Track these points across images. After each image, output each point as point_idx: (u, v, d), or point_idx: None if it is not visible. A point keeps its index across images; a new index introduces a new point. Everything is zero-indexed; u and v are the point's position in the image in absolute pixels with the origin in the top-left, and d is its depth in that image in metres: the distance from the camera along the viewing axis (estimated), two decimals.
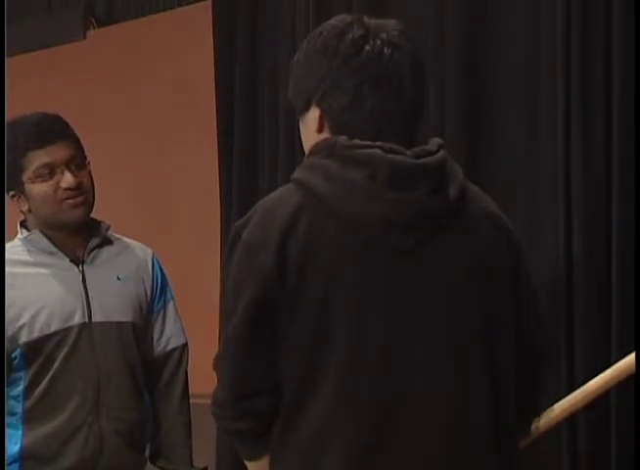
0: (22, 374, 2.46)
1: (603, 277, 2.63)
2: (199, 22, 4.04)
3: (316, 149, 1.79)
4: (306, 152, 1.86)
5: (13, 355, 2.44)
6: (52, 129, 2.49)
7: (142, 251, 2.67)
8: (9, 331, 2.42)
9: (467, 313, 1.77)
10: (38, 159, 2.45)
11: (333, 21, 1.85)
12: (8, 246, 2.55)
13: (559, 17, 2.71)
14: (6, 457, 2.46)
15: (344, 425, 1.71)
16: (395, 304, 1.73)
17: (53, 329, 2.45)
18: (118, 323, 2.53)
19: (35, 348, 2.44)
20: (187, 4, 4.42)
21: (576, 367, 2.65)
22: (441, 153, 1.78)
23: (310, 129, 1.84)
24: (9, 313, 2.43)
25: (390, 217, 1.72)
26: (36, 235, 2.50)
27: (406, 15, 3.06)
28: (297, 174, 1.80)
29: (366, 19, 1.82)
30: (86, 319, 2.49)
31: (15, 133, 2.47)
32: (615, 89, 2.61)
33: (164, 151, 4.41)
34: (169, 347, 2.66)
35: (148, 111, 4.45)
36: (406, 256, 1.73)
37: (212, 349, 3.68)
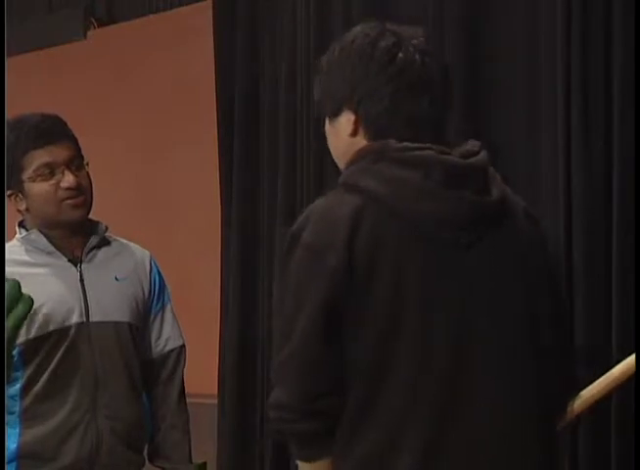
0: (19, 373, 2.45)
1: (603, 277, 2.63)
2: (199, 21, 4.04)
3: (362, 154, 1.85)
4: (335, 153, 1.94)
5: (12, 354, 2.44)
6: (53, 130, 2.50)
7: (140, 252, 2.67)
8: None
9: (515, 312, 1.83)
10: (39, 158, 2.46)
11: (361, 28, 1.91)
12: (6, 246, 2.55)
13: (559, 17, 2.71)
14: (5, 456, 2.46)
15: (416, 422, 1.76)
16: (456, 302, 1.79)
17: (51, 328, 2.45)
18: (116, 323, 2.53)
19: (33, 347, 2.44)
20: (187, 4, 4.42)
21: (577, 367, 2.64)
22: (483, 153, 1.86)
23: (342, 133, 1.90)
24: None
25: (447, 216, 1.79)
26: (35, 234, 2.50)
27: (406, 15, 3.07)
28: (347, 179, 1.84)
29: (393, 27, 1.90)
30: (84, 319, 2.49)
31: (16, 133, 2.47)
32: (615, 89, 2.61)
33: (164, 150, 4.41)
34: (167, 348, 2.66)
35: (148, 110, 4.45)
36: (462, 253, 1.80)
37: (211, 349, 3.72)
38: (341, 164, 1.94)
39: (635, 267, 2.17)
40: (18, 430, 2.45)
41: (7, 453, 2.43)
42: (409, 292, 1.76)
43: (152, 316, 2.64)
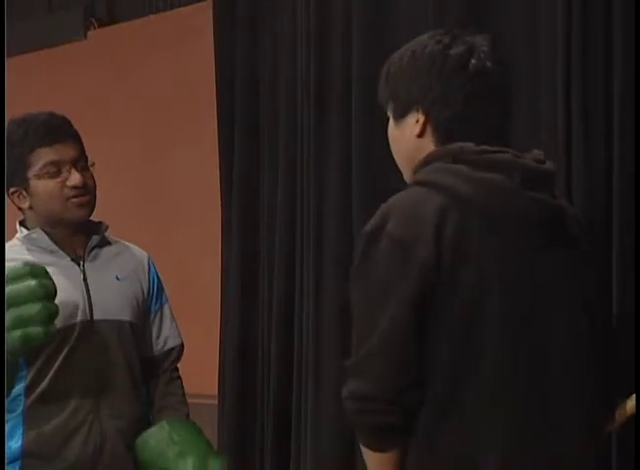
0: (24, 373, 2.46)
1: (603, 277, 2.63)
2: (199, 22, 4.04)
3: (439, 155, 1.91)
4: (397, 154, 2.01)
5: None
6: (61, 128, 2.52)
7: (139, 253, 2.69)
8: None
9: (577, 315, 1.91)
10: (46, 156, 2.47)
11: (431, 35, 1.98)
12: (8, 245, 2.55)
13: (559, 17, 2.70)
14: (6, 456, 2.46)
15: (498, 422, 1.81)
16: (531, 302, 1.86)
17: (56, 327, 2.45)
18: (118, 321, 2.54)
19: (38, 346, 2.44)
20: (187, 4, 4.42)
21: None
22: (550, 162, 1.96)
23: (408, 133, 1.97)
24: None
25: (529, 216, 1.87)
26: (37, 233, 2.50)
27: (406, 15, 3.07)
28: (427, 177, 1.88)
29: (462, 34, 1.98)
30: (88, 317, 2.49)
31: (23, 130, 2.48)
32: (615, 90, 2.61)
33: (165, 151, 4.41)
34: (167, 347, 2.67)
35: (148, 111, 4.46)
36: (537, 254, 1.87)
37: (212, 349, 3.72)
38: (403, 164, 2.01)
39: (635, 267, 2.18)
40: (22, 429, 2.45)
41: (11, 453, 2.44)
42: (491, 290, 1.82)
43: (151, 316, 2.66)
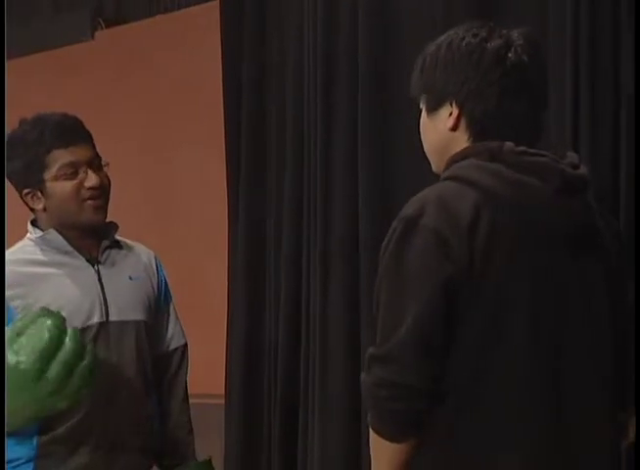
0: None
1: None
2: (206, 22, 4.05)
3: (475, 151, 1.91)
4: (429, 146, 2.00)
5: None
6: (76, 129, 2.52)
7: (146, 252, 2.69)
8: None
9: (603, 321, 1.92)
10: (63, 157, 2.46)
11: (468, 27, 1.97)
12: (19, 245, 2.55)
13: (567, 16, 2.70)
14: (21, 456, 2.47)
15: (521, 421, 1.82)
16: (559, 306, 1.87)
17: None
18: (134, 322, 2.54)
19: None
20: (195, 4, 4.42)
21: None
22: (584, 166, 1.95)
23: (441, 127, 1.96)
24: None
25: (561, 223, 1.87)
26: (52, 234, 2.50)
27: (415, 14, 3.07)
28: (463, 173, 1.88)
29: (497, 26, 1.97)
30: (104, 318, 2.49)
31: (39, 130, 2.47)
32: (622, 89, 2.61)
33: (172, 151, 4.41)
34: (172, 346, 2.67)
35: (155, 111, 4.46)
36: (568, 260, 1.88)
37: (219, 349, 3.72)
38: (432, 155, 2.01)
39: (635, 267, 2.18)
40: (36, 430, 2.45)
41: (24, 454, 2.44)
42: (518, 292, 1.82)
43: (160, 314, 2.66)
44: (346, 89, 3.25)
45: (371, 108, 3.13)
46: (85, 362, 2.32)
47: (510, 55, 1.92)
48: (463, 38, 1.94)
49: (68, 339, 2.31)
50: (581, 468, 1.87)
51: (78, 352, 2.31)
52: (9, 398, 2.25)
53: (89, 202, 2.48)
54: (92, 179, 2.46)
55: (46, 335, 2.29)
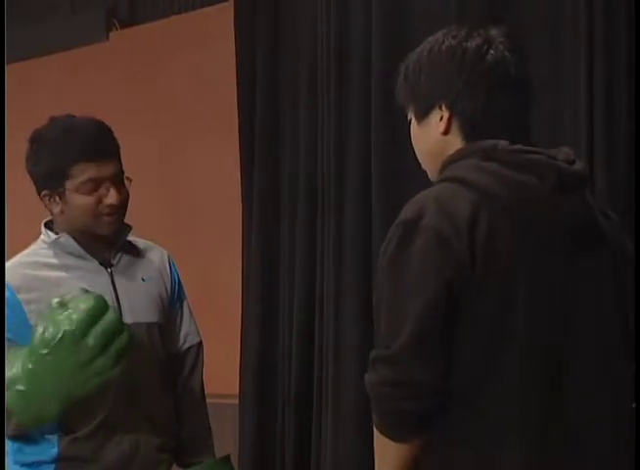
0: None
1: None
2: (220, 22, 4.05)
3: (468, 152, 1.90)
4: (422, 153, 1.99)
5: None
6: (105, 143, 2.49)
7: (159, 252, 2.68)
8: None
9: (610, 317, 1.91)
10: (88, 171, 2.43)
11: (447, 31, 1.96)
12: (33, 248, 2.55)
13: (582, 15, 2.69)
14: (37, 460, 2.48)
15: (522, 420, 1.81)
16: (560, 305, 1.85)
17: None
18: (147, 324, 2.54)
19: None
20: (209, 5, 4.43)
21: None
22: (580, 161, 1.94)
23: (433, 132, 1.95)
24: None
25: (559, 221, 1.86)
26: (65, 238, 2.49)
27: (428, 13, 3.07)
28: (458, 173, 1.87)
29: (475, 27, 1.96)
30: None
31: (69, 139, 2.44)
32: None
33: (186, 151, 4.41)
34: (186, 345, 2.67)
35: (170, 111, 4.46)
36: (569, 258, 1.86)
37: (233, 349, 3.72)
38: (427, 163, 2.00)
39: (636, 267, 2.17)
40: (57, 434, 2.45)
41: (47, 457, 2.45)
42: (518, 291, 1.81)
43: (173, 313, 2.66)
44: (359, 86, 3.25)
45: (384, 105, 3.13)
46: (122, 337, 2.30)
47: (492, 51, 1.91)
48: (443, 42, 1.94)
49: (110, 310, 2.30)
50: (587, 468, 1.87)
51: (118, 325, 2.30)
52: (36, 383, 2.25)
53: (106, 218, 2.47)
54: (112, 197, 2.45)
55: (92, 301, 2.28)
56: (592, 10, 2.66)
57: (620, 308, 1.93)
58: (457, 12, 2.97)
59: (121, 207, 2.49)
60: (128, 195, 2.53)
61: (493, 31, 1.95)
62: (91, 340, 2.27)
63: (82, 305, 2.27)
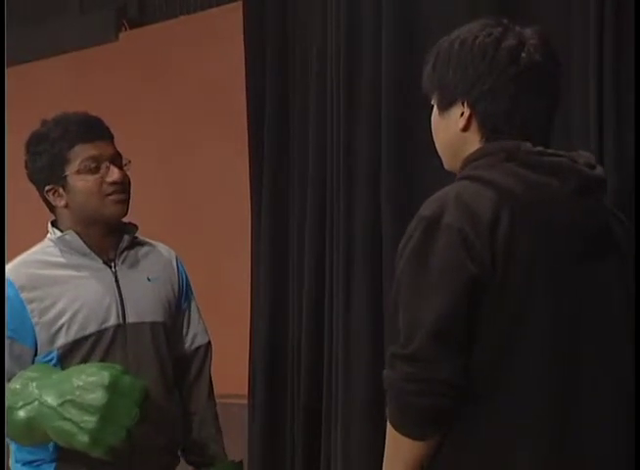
0: None
1: None
2: (229, 23, 4.06)
3: (489, 151, 1.90)
4: (440, 145, 1.99)
5: (49, 358, 2.46)
6: (98, 127, 2.54)
7: (166, 251, 2.69)
8: (45, 333, 2.44)
9: (619, 325, 1.92)
10: (86, 151, 2.48)
11: (483, 25, 1.95)
12: (40, 246, 2.56)
13: (592, 15, 2.68)
14: (36, 458, 2.49)
15: (538, 421, 1.81)
16: (576, 306, 1.86)
17: (89, 331, 2.46)
18: (151, 324, 2.54)
19: (71, 350, 2.45)
20: (218, 5, 4.44)
21: None
22: (599, 167, 1.94)
23: (453, 126, 1.95)
24: (48, 315, 2.44)
25: (578, 224, 1.86)
26: (70, 235, 2.51)
27: (437, 15, 3.06)
28: (480, 172, 1.88)
29: (511, 24, 1.94)
30: (121, 320, 2.50)
31: (62, 127, 2.49)
32: None
33: (194, 151, 4.42)
34: (195, 345, 2.68)
35: (179, 111, 4.47)
36: (587, 261, 1.87)
37: (242, 348, 3.73)
38: (445, 154, 2.00)
39: (635, 267, 2.17)
40: None
41: (45, 455, 2.46)
42: (536, 293, 1.81)
43: (180, 314, 2.66)
44: (370, 85, 3.24)
45: (395, 104, 3.12)
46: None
47: (524, 55, 1.90)
48: (476, 37, 1.93)
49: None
50: (598, 469, 1.86)
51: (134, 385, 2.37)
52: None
53: (111, 197, 2.49)
54: (114, 174, 2.48)
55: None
56: (602, 9, 2.66)
57: (630, 313, 1.93)
58: (468, 16, 2.96)
59: (124, 186, 2.50)
60: (129, 178, 2.55)
61: (528, 32, 1.93)
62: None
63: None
